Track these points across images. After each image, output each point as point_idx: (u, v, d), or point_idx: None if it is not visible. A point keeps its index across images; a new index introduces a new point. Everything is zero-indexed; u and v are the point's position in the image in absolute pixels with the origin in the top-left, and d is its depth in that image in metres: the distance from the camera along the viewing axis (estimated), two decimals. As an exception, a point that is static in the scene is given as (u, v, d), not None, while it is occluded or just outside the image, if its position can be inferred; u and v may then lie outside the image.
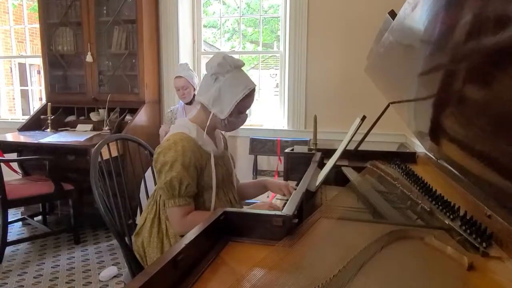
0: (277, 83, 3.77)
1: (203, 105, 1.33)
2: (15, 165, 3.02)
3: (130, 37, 3.27)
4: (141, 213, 1.49)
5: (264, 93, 4.22)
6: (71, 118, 3.45)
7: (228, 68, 1.28)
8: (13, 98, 4.52)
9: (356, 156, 1.77)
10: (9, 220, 2.63)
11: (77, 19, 3.32)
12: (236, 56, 1.38)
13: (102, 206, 1.31)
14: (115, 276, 2.36)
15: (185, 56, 3.49)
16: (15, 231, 3.09)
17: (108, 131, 3.13)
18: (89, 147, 2.63)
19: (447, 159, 1.35)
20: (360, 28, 2.96)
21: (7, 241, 2.60)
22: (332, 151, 1.63)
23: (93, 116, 3.33)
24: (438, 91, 0.85)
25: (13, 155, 3.07)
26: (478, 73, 0.58)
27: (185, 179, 1.22)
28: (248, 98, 1.32)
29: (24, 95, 4.72)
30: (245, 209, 1.24)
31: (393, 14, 1.03)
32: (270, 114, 3.70)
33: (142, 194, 1.90)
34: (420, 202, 1.06)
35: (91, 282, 2.30)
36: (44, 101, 3.60)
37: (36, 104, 4.61)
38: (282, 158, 3.05)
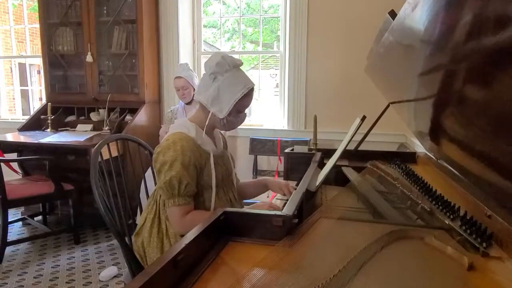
0: (277, 83, 3.77)
1: (202, 104, 1.34)
2: (15, 165, 3.02)
3: (130, 37, 3.27)
4: (141, 213, 1.49)
5: (264, 93, 4.22)
6: (71, 118, 3.45)
7: (226, 67, 1.29)
8: (13, 98, 4.52)
9: (356, 156, 1.77)
10: (9, 220, 2.63)
11: (77, 19, 3.32)
12: (236, 56, 1.38)
13: (102, 206, 1.31)
14: (115, 276, 2.36)
15: (185, 56, 3.49)
16: (15, 231, 3.09)
17: (108, 131, 3.13)
18: (89, 147, 2.63)
19: (447, 159, 1.35)
20: (360, 28, 2.96)
21: (7, 241, 2.60)
22: (332, 151, 1.63)
23: (93, 116, 3.34)
24: (438, 91, 0.85)
25: (13, 155, 3.07)
26: (478, 73, 0.58)
27: (184, 179, 1.23)
28: (247, 97, 1.32)
29: (24, 95, 4.72)
30: (245, 209, 1.24)
31: (393, 14, 1.03)
32: (270, 114, 3.70)
33: (142, 194, 1.90)
34: (420, 202, 1.06)
35: (91, 282, 2.30)
36: (44, 101, 3.60)
37: (36, 104, 4.62)
38: (282, 158, 3.05)
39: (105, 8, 3.32)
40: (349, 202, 1.23)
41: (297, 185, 1.45)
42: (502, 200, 0.86)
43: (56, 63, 3.50)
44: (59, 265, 2.51)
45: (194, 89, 2.74)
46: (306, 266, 0.72)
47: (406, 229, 0.89)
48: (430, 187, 1.20)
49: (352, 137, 1.37)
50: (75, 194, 2.81)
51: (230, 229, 0.89)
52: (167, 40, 3.41)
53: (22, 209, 3.19)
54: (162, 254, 1.20)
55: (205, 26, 4.00)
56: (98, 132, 3.16)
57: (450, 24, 0.59)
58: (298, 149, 2.07)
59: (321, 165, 1.63)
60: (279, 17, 3.52)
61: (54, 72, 3.53)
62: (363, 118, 1.32)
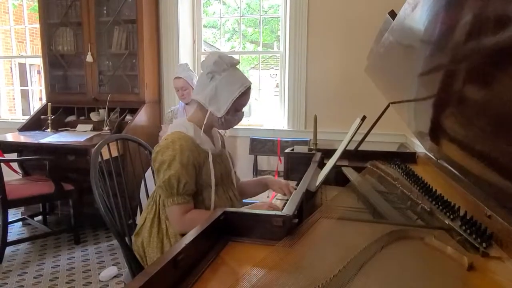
0: (277, 83, 3.77)
1: (200, 104, 1.34)
2: (15, 165, 3.02)
3: (130, 37, 3.27)
4: (141, 213, 1.49)
5: (264, 93, 4.22)
6: (71, 118, 3.45)
7: (224, 66, 1.30)
8: (13, 98, 4.52)
9: (356, 156, 1.77)
10: (9, 220, 2.63)
11: (77, 19, 3.32)
12: (236, 56, 1.39)
13: (102, 206, 1.31)
14: (115, 276, 2.37)
15: (185, 56, 3.49)
16: (15, 231, 3.09)
17: (108, 131, 3.13)
18: (89, 147, 2.63)
19: (447, 159, 1.35)
20: (360, 28, 2.96)
21: (7, 241, 2.60)
22: (332, 151, 1.63)
23: (93, 116, 3.34)
24: (438, 91, 0.85)
25: (13, 155, 3.07)
26: (478, 73, 0.58)
27: (183, 177, 1.23)
28: (244, 96, 1.33)
29: (24, 95, 4.72)
30: (245, 209, 1.24)
31: (393, 14, 1.03)
32: (270, 114, 3.71)
33: (142, 194, 1.90)
34: (420, 202, 1.06)
35: (91, 282, 2.30)
36: (44, 101, 3.60)
37: (36, 104, 4.62)
38: (282, 158, 3.05)
39: (105, 8, 3.32)
40: (349, 202, 1.23)
41: (297, 185, 1.45)
42: (502, 200, 0.86)
43: (56, 63, 3.50)
44: (59, 265, 2.51)
45: (193, 89, 2.74)
46: (306, 266, 0.72)
47: (406, 229, 0.89)
48: (430, 187, 1.20)
49: (352, 137, 1.37)
50: (75, 194, 2.81)
51: (230, 229, 0.89)
52: (167, 40, 3.41)
53: (22, 209, 3.19)
54: (162, 254, 1.20)
55: (205, 26, 4.00)
56: (98, 132, 3.16)
57: (450, 24, 0.59)
58: (298, 149, 2.07)
59: (321, 165, 1.63)
60: (279, 17, 3.52)
61: (54, 72, 3.53)
62: (363, 118, 1.32)
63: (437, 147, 1.30)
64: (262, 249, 0.83)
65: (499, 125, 0.61)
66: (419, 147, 2.19)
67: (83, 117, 3.43)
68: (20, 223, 3.21)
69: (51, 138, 2.95)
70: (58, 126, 3.34)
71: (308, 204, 1.18)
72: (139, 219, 1.41)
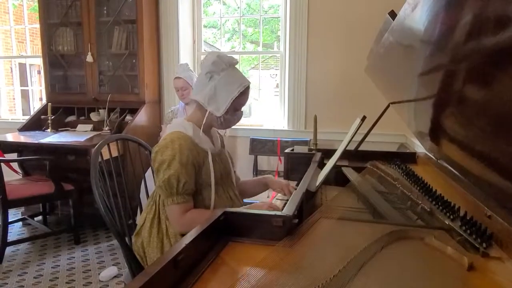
0: (277, 83, 3.77)
1: (199, 103, 1.35)
2: (15, 165, 3.02)
3: (130, 37, 3.27)
4: (141, 213, 1.49)
5: (264, 93, 4.22)
6: (71, 118, 3.45)
7: (223, 66, 1.30)
8: (14, 98, 4.52)
9: (356, 156, 1.77)
10: (9, 220, 2.63)
11: (78, 19, 3.32)
12: (236, 56, 1.39)
13: (102, 206, 1.31)
14: (115, 276, 2.37)
15: (185, 56, 3.49)
16: (15, 231, 3.09)
17: (108, 131, 3.13)
18: (90, 147, 2.63)
19: (447, 159, 1.35)
20: (360, 28, 2.96)
21: (8, 241, 2.60)
22: (332, 151, 1.63)
23: (93, 116, 3.34)
24: (438, 91, 0.85)
25: (14, 155, 3.07)
26: (478, 73, 0.58)
27: (182, 177, 1.23)
28: (243, 95, 1.34)
29: (25, 95, 4.72)
30: (245, 209, 1.24)
31: (393, 15, 1.03)
32: (270, 114, 3.71)
33: (142, 194, 1.90)
34: (420, 202, 1.06)
35: (91, 282, 2.30)
36: (44, 101, 3.60)
37: (36, 104, 4.62)
38: (282, 158, 3.05)
39: (105, 8, 3.32)
40: (349, 202, 1.23)
41: (297, 185, 1.45)
42: (502, 201, 0.86)
43: (56, 63, 3.50)
44: (59, 265, 2.51)
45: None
46: (306, 266, 0.72)
47: (406, 229, 0.89)
48: (430, 187, 1.20)
49: (352, 137, 1.37)
50: (75, 194, 2.81)
51: (230, 230, 0.89)
52: (167, 40, 3.41)
53: (22, 209, 3.19)
54: (162, 254, 1.20)
55: (205, 26, 4.00)
56: (98, 132, 3.16)
57: (450, 25, 0.59)
58: (298, 149, 2.07)
59: (321, 165, 1.63)
60: (279, 17, 3.52)
61: (54, 72, 3.53)
62: (363, 118, 1.32)
63: (437, 147, 1.30)
64: (262, 249, 0.83)
65: (499, 125, 0.61)
66: (419, 147, 2.19)
67: (83, 117, 3.43)
68: (20, 223, 3.21)
69: (51, 138, 2.95)
70: (58, 126, 3.34)
71: (308, 204, 1.18)
72: (139, 219, 1.41)
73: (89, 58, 3.26)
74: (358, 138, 1.61)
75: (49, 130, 3.25)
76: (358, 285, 0.66)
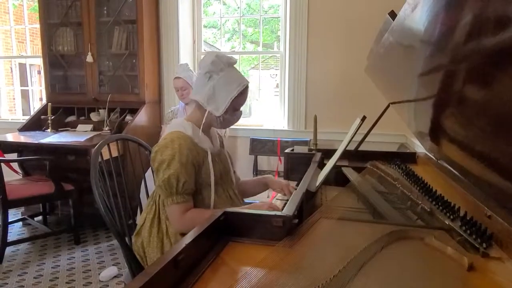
0: (277, 83, 3.77)
1: (198, 103, 1.35)
2: (15, 165, 3.02)
3: (131, 37, 3.27)
4: (141, 213, 1.49)
5: (264, 93, 4.22)
6: (71, 118, 3.46)
7: (221, 66, 1.31)
8: (14, 98, 4.52)
9: (356, 157, 1.77)
10: (9, 220, 2.63)
11: (78, 19, 3.32)
12: (236, 56, 1.39)
13: (102, 206, 1.31)
14: (115, 276, 2.37)
15: (185, 56, 3.50)
16: (15, 231, 3.09)
17: (109, 131, 3.13)
18: (90, 147, 2.63)
19: (447, 159, 1.35)
20: (360, 28, 2.96)
21: (8, 241, 2.60)
22: (332, 152, 1.63)
23: (94, 116, 3.34)
24: (438, 91, 0.85)
25: (14, 155, 3.07)
26: (478, 73, 0.58)
27: (182, 176, 1.23)
28: (242, 95, 1.34)
29: (25, 95, 4.72)
30: (245, 209, 1.24)
31: (393, 15, 1.03)
32: (270, 114, 3.71)
33: (142, 194, 1.90)
34: (420, 202, 1.06)
35: (91, 282, 2.30)
36: (44, 101, 3.60)
37: (36, 104, 4.62)
38: (282, 158, 3.05)
39: (105, 8, 3.32)
40: (349, 202, 1.23)
41: (297, 185, 1.45)
42: (502, 201, 0.86)
43: (56, 63, 3.50)
44: (59, 265, 2.51)
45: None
46: (306, 267, 0.72)
47: (406, 230, 0.89)
48: (430, 187, 1.20)
49: (352, 137, 1.37)
50: (75, 194, 2.81)
51: (230, 230, 0.89)
52: (167, 40, 3.41)
53: (22, 209, 3.19)
54: (162, 254, 1.20)
55: (205, 27, 4.00)
56: (98, 132, 3.16)
57: (450, 25, 0.59)
58: (298, 149, 2.07)
59: (321, 165, 1.63)
60: (279, 17, 3.52)
61: (54, 72, 3.53)
62: (363, 118, 1.32)
63: (437, 147, 1.30)
64: (262, 249, 0.83)
65: (499, 125, 0.61)
66: (419, 147, 2.19)
67: (83, 117, 3.43)
68: (20, 223, 3.21)
69: (51, 138, 2.95)
70: (58, 126, 3.34)
71: (308, 204, 1.18)
72: (139, 219, 1.41)
73: (89, 58, 3.26)
74: (358, 138, 1.61)
75: (49, 130, 3.25)
76: (358, 285, 0.66)
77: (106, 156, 1.52)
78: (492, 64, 0.51)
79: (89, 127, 3.31)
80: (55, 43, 3.47)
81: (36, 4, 3.47)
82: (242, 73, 1.39)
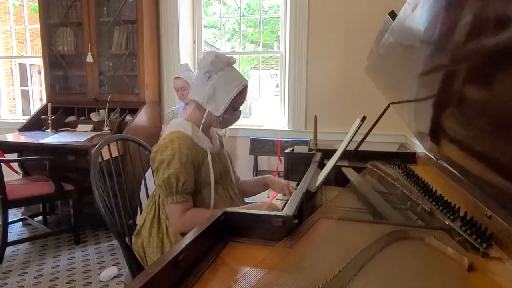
0: (277, 84, 3.77)
1: (198, 103, 1.35)
2: (15, 165, 3.02)
3: (131, 37, 3.27)
4: (141, 213, 1.49)
5: (264, 93, 4.21)
6: (71, 118, 3.46)
7: (221, 66, 1.31)
8: (14, 98, 4.52)
9: (356, 157, 1.77)
10: (9, 220, 2.63)
11: (78, 19, 3.32)
12: (236, 57, 1.39)
13: (102, 206, 1.31)
14: (115, 277, 2.36)
15: (185, 56, 3.50)
16: (15, 231, 3.09)
17: (109, 131, 3.13)
18: (90, 148, 2.63)
19: (447, 159, 1.35)
20: (360, 29, 2.96)
21: (8, 241, 2.60)
22: (332, 152, 1.63)
23: (94, 117, 3.34)
24: (438, 91, 0.85)
25: (14, 155, 3.07)
26: (478, 73, 0.58)
27: (182, 176, 1.23)
28: (241, 94, 1.35)
29: (25, 95, 4.72)
30: (245, 209, 1.24)
31: (393, 15, 1.03)
32: (270, 115, 3.71)
33: (142, 194, 1.90)
34: (420, 202, 1.06)
35: (91, 283, 2.30)
36: (44, 101, 3.60)
37: (36, 105, 4.62)
38: (282, 158, 3.05)
39: (105, 8, 3.32)
40: (349, 202, 1.23)
41: (297, 185, 1.45)
42: (502, 201, 0.86)
43: (57, 63, 3.50)
44: (59, 266, 2.51)
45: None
46: (306, 267, 0.72)
47: (406, 230, 0.89)
48: (430, 187, 1.20)
49: (352, 137, 1.37)
50: (75, 194, 2.81)
51: (230, 230, 0.89)
52: (168, 40, 3.41)
53: (22, 209, 3.19)
54: (162, 254, 1.20)
55: (205, 27, 4.00)
56: (98, 133, 3.16)
57: (450, 25, 0.59)
58: (298, 149, 2.07)
59: (321, 165, 1.63)
60: (279, 17, 3.52)
61: (55, 72, 3.53)
62: (363, 118, 1.32)
63: (437, 148, 1.30)
64: (262, 249, 0.83)
65: (499, 125, 0.61)
66: (419, 148, 2.19)
67: (83, 118, 3.43)
68: (20, 223, 3.21)
69: (51, 138, 2.95)
70: (58, 126, 3.34)
71: (308, 204, 1.18)
72: (139, 219, 1.41)
73: (89, 58, 3.26)
74: (358, 138, 1.61)
75: (49, 130, 3.25)
76: (358, 285, 0.66)
77: (106, 156, 1.52)
78: (492, 64, 0.51)
79: (89, 127, 3.31)
80: (55, 43, 3.47)
81: (36, 4, 3.47)
82: (242, 73, 1.39)
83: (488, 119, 0.64)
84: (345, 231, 0.94)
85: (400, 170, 1.54)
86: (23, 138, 3.05)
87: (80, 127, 3.33)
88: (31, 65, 5.37)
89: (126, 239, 1.38)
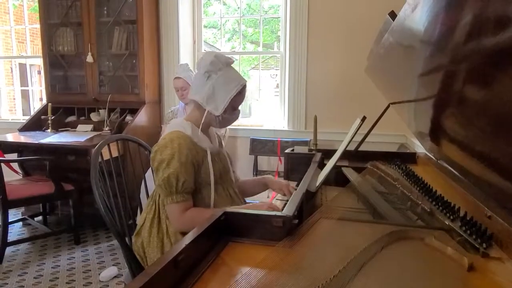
0: (278, 84, 3.77)
1: (197, 103, 1.36)
2: (15, 165, 3.02)
3: (131, 37, 3.27)
4: (141, 213, 1.49)
5: (264, 93, 4.21)
6: (71, 118, 3.46)
7: (220, 66, 1.32)
8: (14, 99, 4.52)
9: (356, 157, 1.77)
10: (9, 221, 2.63)
11: (78, 19, 3.32)
12: (236, 57, 1.39)
13: (102, 206, 1.31)
14: (115, 277, 2.36)
15: (185, 56, 3.50)
16: (15, 231, 3.09)
17: (109, 131, 3.13)
18: (90, 148, 2.63)
19: (447, 159, 1.35)
20: (360, 29, 2.96)
21: (8, 241, 2.60)
22: (332, 152, 1.63)
23: (94, 117, 3.34)
24: (438, 91, 0.85)
25: (14, 156, 3.07)
26: (478, 74, 0.58)
27: (182, 176, 1.24)
28: (240, 94, 1.36)
29: (25, 95, 4.72)
30: (245, 209, 1.24)
31: (393, 15, 1.03)
32: (270, 115, 3.71)
33: (142, 194, 1.90)
34: (420, 202, 1.06)
35: (91, 283, 2.30)
36: (44, 101, 3.60)
37: (36, 105, 4.62)
38: (282, 158, 3.05)
39: (105, 8, 3.32)
40: (349, 202, 1.23)
41: (297, 185, 1.45)
42: (502, 201, 0.86)
43: (57, 63, 3.50)
44: (59, 266, 2.51)
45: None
46: (306, 267, 0.72)
47: (406, 230, 0.89)
48: (430, 187, 1.20)
49: (352, 137, 1.37)
50: (75, 194, 2.81)
51: (230, 230, 0.89)
52: (168, 40, 3.41)
53: (22, 209, 3.19)
54: (162, 254, 1.20)
55: (205, 27, 4.00)
56: (98, 133, 3.16)
57: (450, 25, 0.59)
58: (298, 149, 2.07)
59: (321, 165, 1.63)
60: (279, 17, 3.52)
61: (55, 72, 3.53)
62: (363, 118, 1.32)
63: (437, 148, 1.30)
64: (262, 249, 0.83)
65: (499, 125, 0.61)
66: (419, 148, 2.19)
67: (83, 118, 3.43)
68: (20, 223, 3.21)
69: (51, 138, 2.95)
70: (59, 126, 3.34)
71: (308, 204, 1.18)
72: (139, 219, 1.41)
73: (89, 59, 3.26)
74: (358, 138, 1.61)
75: (49, 130, 3.25)
76: (358, 285, 0.66)
77: (106, 156, 1.52)
78: (492, 64, 0.51)
79: (89, 127, 3.31)
80: (55, 43, 3.47)
81: (36, 4, 3.47)
82: (242, 73, 1.40)
83: (488, 119, 0.64)
84: (345, 231, 0.95)
85: (400, 170, 1.54)
86: (23, 138, 3.05)
87: (80, 127, 3.33)
88: (31, 65, 5.37)
89: (126, 239, 1.38)
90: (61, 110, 3.41)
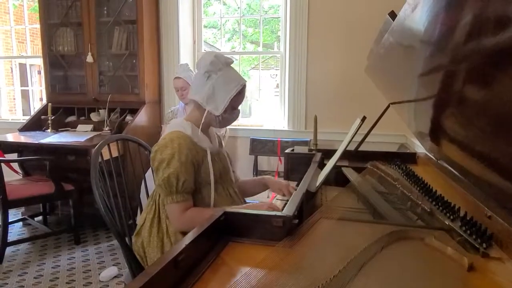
0: (278, 84, 3.77)
1: (197, 103, 1.36)
2: (15, 165, 3.02)
3: (131, 37, 3.27)
4: (141, 213, 1.49)
5: (264, 93, 4.21)
6: (71, 118, 3.46)
7: (220, 66, 1.33)
8: (14, 99, 4.52)
9: (357, 157, 1.77)
10: (9, 221, 2.63)
11: (78, 19, 3.32)
12: (236, 57, 1.40)
13: (102, 206, 1.31)
14: (115, 277, 2.37)
15: (185, 56, 3.50)
16: (15, 231, 3.09)
17: (109, 131, 3.13)
18: (90, 148, 2.63)
19: (447, 159, 1.35)
20: (360, 29, 2.96)
21: (8, 241, 2.60)
22: (333, 152, 1.63)
23: (94, 117, 3.34)
24: (439, 91, 0.85)
25: (14, 156, 3.07)
26: (478, 74, 0.58)
27: (182, 175, 1.24)
28: (240, 94, 1.36)
29: (25, 95, 4.72)
30: (245, 209, 1.24)
31: (393, 15, 1.03)
32: (270, 115, 3.71)
33: (142, 194, 1.90)
34: (420, 202, 1.06)
35: (91, 283, 2.30)
36: (44, 101, 3.60)
37: (36, 105, 4.62)
38: (282, 158, 3.05)
39: (105, 8, 3.32)
40: (349, 202, 1.23)
41: (297, 185, 1.45)
42: (502, 201, 0.86)
43: (57, 63, 3.50)
44: (59, 266, 2.51)
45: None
46: (306, 267, 0.72)
47: (406, 230, 0.89)
48: (430, 187, 1.20)
49: (353, 137, 1.37)
50: (75, 194, 2.81)
51: (230, 230, 0.89)
52: (168, 40, 3.42)
53: (22, 209, 3.19)
54: (162, 254, 1.20)
55: (205, 27, 4.00)
56: (98, 133, 3.16)
57: (450, 25, 0.59)
58: (298, 149, 2.07)
59: (321, 165, 1.63)
60: (279, 17, 3.52)
61: (55, 72, 3.53)
62: (363, 118, 1.32)
63: (437, 148, 1.30)
64: (262, 249, 0.83)
65: (499, 125, 0.61)
66: (419, 148, 2.19)
67: (83, 118, 3.43)
68: (21, 223, 3.21)
69: (51, 138, 2.95)
70: (59, 126, 3.34)
71: (308, 204, 1.18)
72: (139, 219, 1.41)
73: (89, 59, 3.26)
74: (358, 138, 1.61)
75: (49, 130, 3.25)
76: (358, 285, 0.66)
77: (106, 156, 1.52)
78: (492, 64, 0.51)
79: (89, 127, 3.31)
80: (55, 43, 3.47)
81: (36, 4, 3.47)
82: (242, 73, 1.40)
83: (488, 119, 0.64)
84: (345, 231, 0.95)
85: (400, 170, 1.54)
86: (23, 138, 3.05)
87: (80, 127, 3.33)
88: (31, 65, 5.37)
89: (126, 239, 1.38)
90: (61, 110, 3.42)
